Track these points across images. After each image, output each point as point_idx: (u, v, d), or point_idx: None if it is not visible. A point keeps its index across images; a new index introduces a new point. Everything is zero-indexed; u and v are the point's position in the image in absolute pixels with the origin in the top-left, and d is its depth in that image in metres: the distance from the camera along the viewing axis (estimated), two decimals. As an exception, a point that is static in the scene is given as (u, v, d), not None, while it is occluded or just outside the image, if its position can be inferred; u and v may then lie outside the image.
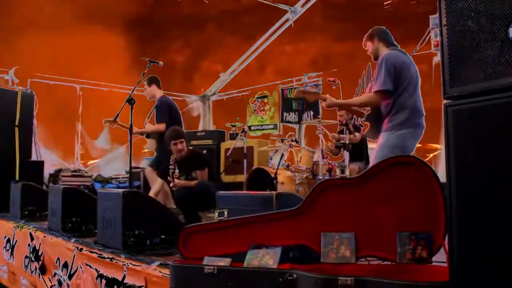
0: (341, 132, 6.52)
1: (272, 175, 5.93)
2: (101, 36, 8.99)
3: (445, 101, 1.65)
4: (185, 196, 4.84)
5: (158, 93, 6.35)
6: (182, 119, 6.50)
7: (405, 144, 3.77)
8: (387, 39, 4.04)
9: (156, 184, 5.52)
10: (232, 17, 9.70)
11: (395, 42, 4.06)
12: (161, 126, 5.98)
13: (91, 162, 9.92)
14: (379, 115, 3.99)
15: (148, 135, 6.24)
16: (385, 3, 7.69)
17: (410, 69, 3.86)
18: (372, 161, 3.94)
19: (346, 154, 5.82)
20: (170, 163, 4.85)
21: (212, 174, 5.19)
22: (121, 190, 3.56)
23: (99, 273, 3.29)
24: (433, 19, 6.82)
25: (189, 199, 4.80)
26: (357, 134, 6.36)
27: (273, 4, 9.20)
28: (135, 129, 5.97)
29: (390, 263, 2.12)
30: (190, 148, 5.36)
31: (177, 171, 4.86)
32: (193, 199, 4.76)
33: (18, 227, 4.91)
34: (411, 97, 3.80)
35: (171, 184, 4.90)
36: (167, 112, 6.13)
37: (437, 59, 6.98)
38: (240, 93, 11.01)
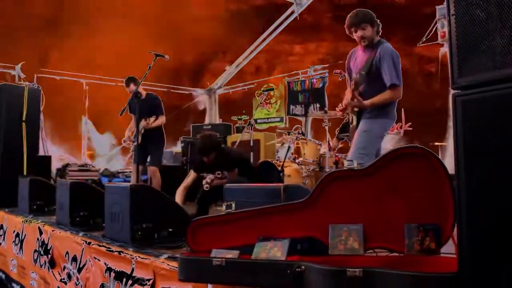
0: (346, 124, 6.49)
1: (279, 168, 5.92)
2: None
3: (454, 91, 1.64)
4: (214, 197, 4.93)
5: (142, 90, 6.54)
6: None
7: (384, 134, 3.97)
8: (379, 27, 4.02)
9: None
10: (238, 11, 9.68)
11: None
12: (163, 119, 6.48)
13: (98, 156, 9.96)
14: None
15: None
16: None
17: None
18: (355, 146, 3.91)
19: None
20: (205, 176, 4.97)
21: (244, 169, 5.19)
22: (128, 184, 3.57)
23: (108, 266, 3.31)
24: (440, 9, 6.76)
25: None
26: None
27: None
28: (144, 123, 6.09)
29: (398, 254, 2.12)
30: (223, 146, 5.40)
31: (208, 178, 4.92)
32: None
33: (26, 221, 4.94)
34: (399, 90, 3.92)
35: (205, 187, 4.92)
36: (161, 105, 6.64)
37: (444, 50, 6.94)
38: (246, 86, 11.00)
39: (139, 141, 6.01)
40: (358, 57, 4.06)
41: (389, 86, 3.82)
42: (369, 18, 3.94)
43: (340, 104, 4.19)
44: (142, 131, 6.17)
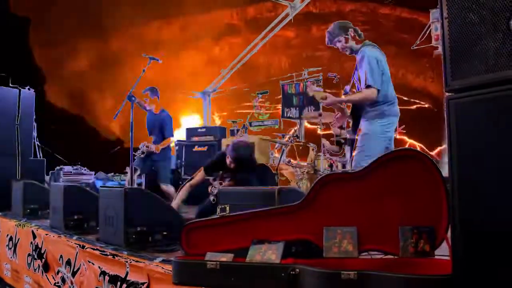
0: (340, 128, 6.51)
1: (274, 171, 5.92)
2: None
3: (447, 94, 1.65)
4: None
5: (158, 104, 6.50)
6: None
7: (387, 134, 3.96)
8: (357, 32, 4.10)
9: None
10: (232, 13, 9.70)
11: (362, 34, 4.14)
12: (170, 140, 6.38)
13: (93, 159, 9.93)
14: (359, 111, 4.09)
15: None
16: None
17: (384, 59, 4.01)
18: (357, 149, 3.97)
19: (347, 149, 5.81)
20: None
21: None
22: (122, 187, 3.56)
23: (102, 270, 3.29)
24: (434, 13, 6.80)
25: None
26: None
27: (273, 0, 9.19)
28: (154, 147, 6.08)
29: (392, 257, 2.12)
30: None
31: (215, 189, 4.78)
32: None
33: (20, 225, 4.92)
34: (389, 87, 3.99)
35: (212, 199, 4.76)
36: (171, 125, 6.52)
37: (437, 52, 6.97)
38: (240, 89, 11.00)
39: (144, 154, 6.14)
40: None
41: (365, 88, 3.92)
42: (341, 29, 4.08)
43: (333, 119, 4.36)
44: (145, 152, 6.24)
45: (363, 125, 4.00)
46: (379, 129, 3.93)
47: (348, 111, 4.29)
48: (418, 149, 2.16)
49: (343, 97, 4.20)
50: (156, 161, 6.33)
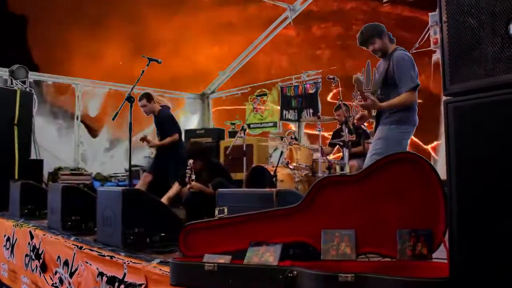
0: (340, 130, 6.52)
1: (272, 173, 5.93)
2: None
3: (446, 98, 1.65)
4: (200, 198, 4.94)
5: (157, 107, 6.59)
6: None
7: (403, 141, 3.88)
8: (390, 36, 4.07)
9: (173, 189, 5.56)
10: (231, 14, 9.69)
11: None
12: (176, 137, 6.41)
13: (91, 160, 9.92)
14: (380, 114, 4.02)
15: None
16: (383, 0, 7.68)
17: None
18: (372, 152, 3.93)
19: (345, 152, 5.82)
20: (187, 167, 5.04)
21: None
22: (120, 188, 3.56)
23: (100, 271, 3.29)
24: (433, 16, 6.81)
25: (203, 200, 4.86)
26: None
27: (272, 2, 9.19)
28: (153, 142, 6.25)
29: (390, 259, 2.12)
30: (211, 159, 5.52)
31: (193, 176, 4.99)
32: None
33: (17, 225, 4.91)
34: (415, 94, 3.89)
35: (188, 186, 5.01)
36: (175, 123, 6.65)
37: (436, 56, 6.98)
38: (239, 91, 11.01)
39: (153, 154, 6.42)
40: (380, 68, 4.12)
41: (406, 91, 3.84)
42: (375, 32, 4.02)
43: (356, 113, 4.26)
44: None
45: (381, 129, 3.94)
46: (397, 135, 3.87)
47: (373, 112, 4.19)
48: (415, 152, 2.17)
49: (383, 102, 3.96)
50: (165, 161, 6.41)
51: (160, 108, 6.58)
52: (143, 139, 6.40)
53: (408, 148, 3.99)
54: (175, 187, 5.44)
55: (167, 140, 6.36)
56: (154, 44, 9.12)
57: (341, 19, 8.47)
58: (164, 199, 5.25)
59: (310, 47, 9.65)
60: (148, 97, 6.45)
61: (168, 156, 6.40)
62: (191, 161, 5.05)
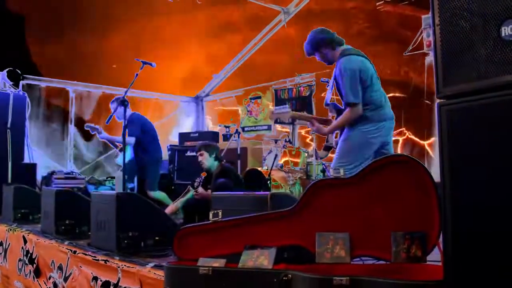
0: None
1: (266, 176, 5.93)
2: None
3: (439, 100, 1.66)
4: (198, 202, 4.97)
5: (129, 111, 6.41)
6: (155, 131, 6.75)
7: (368, 140, 3.78)
8: (335, 40, 3.93)
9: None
10: (225, 17, 9.68)
11: (341, 40, 3.96)
12: (128, 140, 6.10)
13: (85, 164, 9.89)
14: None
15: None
16: (377, 4, 7.71)
17: (367, 66, 3.83)
18: (335, 155, 3.90)
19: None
20: (198, 179, 5.15)
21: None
22: (114, 192, 3.55)
23: (94, 275, 3.28)
24: (425, 19, 6.83)
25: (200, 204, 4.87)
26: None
27: (265, 5, 9.20)
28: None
29: (385, 262, 2.13)
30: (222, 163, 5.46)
31: (200, 189, 5.02)
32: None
33: (10, 230, 4.88)
34: (375, 92, 3.81)
35: (194, 193, 5.06)
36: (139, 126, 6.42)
37: (429, 59, 7.01)
38: (233, 94, 11.00)
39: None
40: None
41: (346, 105, 3.79)
42: (312, 48, 3.98)
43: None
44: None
45: (345, 131, 3.88)
46: (360, 135, 3.78)
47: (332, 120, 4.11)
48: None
49: (325, 128, 4.00)
50: (142, 168, 6.40)
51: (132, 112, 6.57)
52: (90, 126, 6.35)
53: (401, 144, 3.98)
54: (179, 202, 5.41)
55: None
56: (148, 48, 9.09)
57: (339, 19, 8.48)
58: (178, 206, 5.25)
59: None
60: (122, 102, 6.03)
61: (144, 163, 6.46)
62: (203, 174, 5.16)
